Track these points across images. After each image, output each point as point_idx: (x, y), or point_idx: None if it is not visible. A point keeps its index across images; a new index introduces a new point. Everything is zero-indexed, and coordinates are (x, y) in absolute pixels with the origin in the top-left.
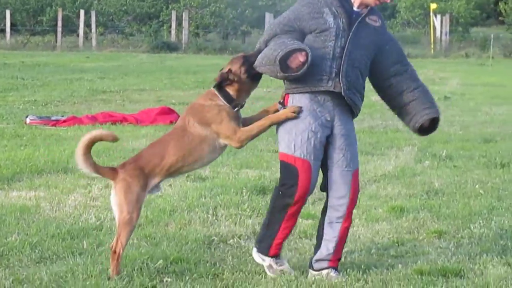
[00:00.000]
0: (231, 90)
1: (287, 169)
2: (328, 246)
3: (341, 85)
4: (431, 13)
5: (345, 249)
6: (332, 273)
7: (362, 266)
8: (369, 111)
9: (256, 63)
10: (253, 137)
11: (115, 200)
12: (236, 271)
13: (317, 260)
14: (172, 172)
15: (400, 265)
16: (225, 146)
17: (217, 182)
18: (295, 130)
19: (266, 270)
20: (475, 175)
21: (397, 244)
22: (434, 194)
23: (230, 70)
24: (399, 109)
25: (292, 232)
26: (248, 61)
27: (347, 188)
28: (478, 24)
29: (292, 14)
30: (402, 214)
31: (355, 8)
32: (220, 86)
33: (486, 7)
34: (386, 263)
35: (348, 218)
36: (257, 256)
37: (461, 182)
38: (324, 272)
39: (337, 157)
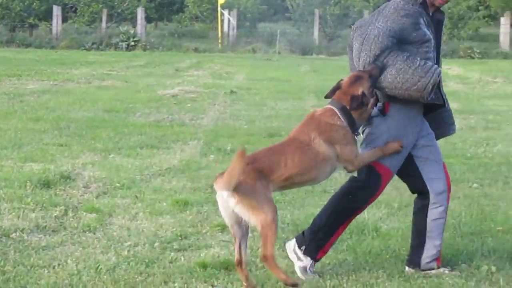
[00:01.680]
0: (354, 114)
1: (371, 173)
2: (435, 243)
3: (442, 96)
4: (219, 8)
5: (128, 243)
6: (446, 271)
7: (146, 260)
8: (156, 105)
9: (387, 85)
10: (366, 164)
11: (243, 206)
12: (18, 265)
13: (427, 262)
14: (285, 185)
15: (183, 259)
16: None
17: (0, 176)
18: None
19: (298, 270)
20: None
21: (180, 238)
22: None
23: (363, 94)
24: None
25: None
26: (374, 82)
27: (445, 181)
28: (265, 20)
29: (396, 25)
30: (186, 207)
31: (430, 13)
32: (346, 108)
33: (273, 2)
34: (169, 257)
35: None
36: (293, 253)
37: None
38: (435, 271)
39: (425, 155)
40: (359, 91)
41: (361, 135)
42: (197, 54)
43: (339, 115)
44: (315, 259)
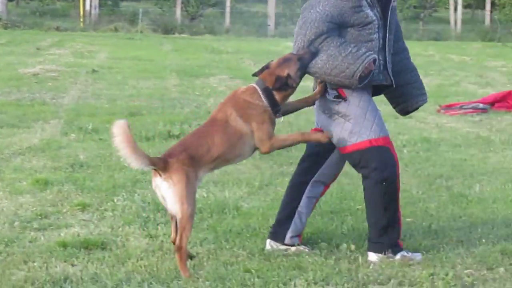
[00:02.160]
0: (277, 95)
1: (382, 152)
2: (302, 220)
3: (390, 77)
4: None
5: None
6: (306, 249)
7: (5, 239)
8: (17, 84)
9: (317, 70)
10: (283, 147)
11: (174, 191)
12: None
13: (291, 237)
14: (216, 165)
15: (43, 238)
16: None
17: None
18: (374, 114)
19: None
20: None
21: (40, 217)
22: (79, 167)
23: (289, 75)
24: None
25: None
26: (303, 66)
27: (339, 168)
28: None
29: (334, 9)
30: (47, 186)
31: None
32: (268, 88)
33: None
34: (29, 236)
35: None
36: (378, 259)
37: (106, 155)
38: (294, 249)
39: None
40: (285, 72)
41: (281, 118)
42: (59, 33)
43: (260, 94)
44: (401, 249)
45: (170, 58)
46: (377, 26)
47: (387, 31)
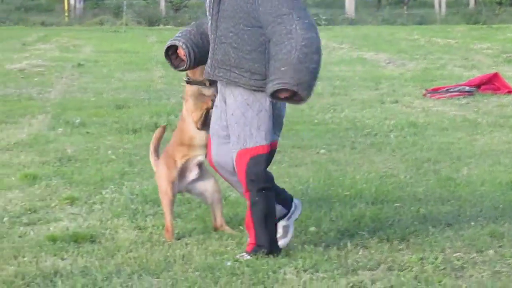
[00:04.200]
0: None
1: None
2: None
3: (209, 69)
4: None
5: None
6: None
7: None
8: (3, 79)
9: None
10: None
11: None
12: None
13: None
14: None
15: (32, 233)
16: None
17: None
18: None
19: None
20: (108, 141)
21: (29, 212)
22: (67, 161)
23: None
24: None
25: None
26: None
27: None
28: None
29: None
30: (35, 181)
31: None
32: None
33: None
34: (19, 231)
35: None
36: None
37: (94, 149)
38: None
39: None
40: None
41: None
42: (44, 28)
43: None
44: None
45: (156, 49)
46: (209, 13)
47: (218, 17)
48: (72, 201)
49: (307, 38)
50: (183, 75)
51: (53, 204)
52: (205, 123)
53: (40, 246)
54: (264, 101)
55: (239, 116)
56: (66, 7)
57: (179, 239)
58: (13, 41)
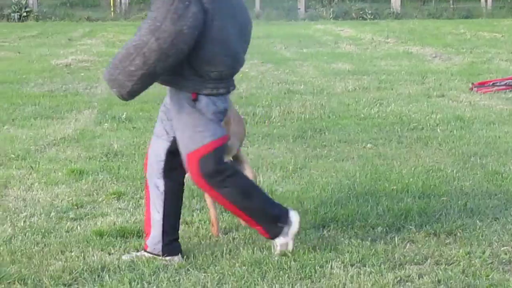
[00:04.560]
0: None
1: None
2: None
3: None
4: None
5: (24, 213)
6: None
7: (42, 230)
8: (50, 75)
9: None
10: None
11: None
12: None
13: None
14: None
15: (79, 228)
16: None
17: None
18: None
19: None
20: None
21: (76, 207)
22: (114, 156)
23: None
24: None
25: None
26: None
27: None
28: None
29: None
30: (82, 176)
31: None
32: None
33: None
34: (66, 226)
35: None
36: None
37: (140, 143)
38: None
39: None
40: None
41: None
42: (90, 23)
43: None
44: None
45: None
46: None
47: None
48: (119, 196)
49: (141, 40)
50: None
51: (100, 199)
52: None
53: (87, 241)
54: (189, 100)
55: (176, 120)
56: (112, 2)
57: (226, 233)
58: (59, 36)
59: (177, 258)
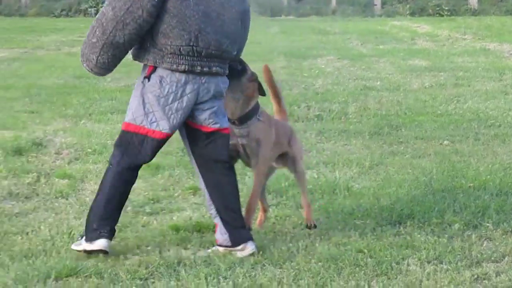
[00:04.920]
0: None
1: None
2: None
3: None
4: None
5: None
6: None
7: (119, 224)
8: (126, 70)
9: None
10: None
11: None
12: None
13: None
14: None
15: (155, 222)
16: None
17: None
18: None
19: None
20: None
21: (152, 202)
22: None
23: None
24: None
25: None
26: None
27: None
28: None
29: None
30: (158, 171)
31: None
32: None
33: None
34: (142, 220)
35: None
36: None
37: None
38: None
39: None
40: None
41: None
42: None
43: None
44: None
45: (277, 40)
46: None
47: None
48: (195, 191)
49: (101, 12)
50: (304, 66)
51: (176, 194)
52: None
53: (163, 235)
54: (143, 78)
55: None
56: None
57: (302, 229)
58: None
59: (249, 245)
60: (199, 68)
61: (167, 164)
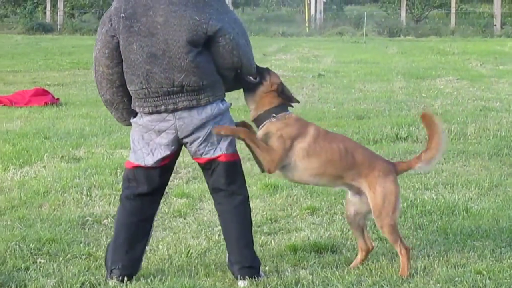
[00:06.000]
0: None
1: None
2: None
3: None
4: None
5: (218, 227)
6: None
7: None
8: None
9: None
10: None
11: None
12: None
13: None
14: None
15: (273, 242)
16: None
17: (92, 163)
18: None
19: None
20: None
21: (270, 221)
22: None
23: None
24: None
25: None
26: None
27: None
28: (352, 2)
29: None
30: (276, 191)
31: None
32: None
33: None
34: (260, 240)
35: None
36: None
37: None
38: None
39: None
40: None
41: None
42: (284, 38)
43: None
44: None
45: (396, 60)
46: None
47: None
48: (313, 211)
49: None
50: (423, 87)
51: (294, 214)
52: None
53: (281, 255)
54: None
55: None
56: (306, 17)
57: (420, 250)
58: (254, 51)
59: (239, 284)
60: (163, 107)
61: (285, 184)
